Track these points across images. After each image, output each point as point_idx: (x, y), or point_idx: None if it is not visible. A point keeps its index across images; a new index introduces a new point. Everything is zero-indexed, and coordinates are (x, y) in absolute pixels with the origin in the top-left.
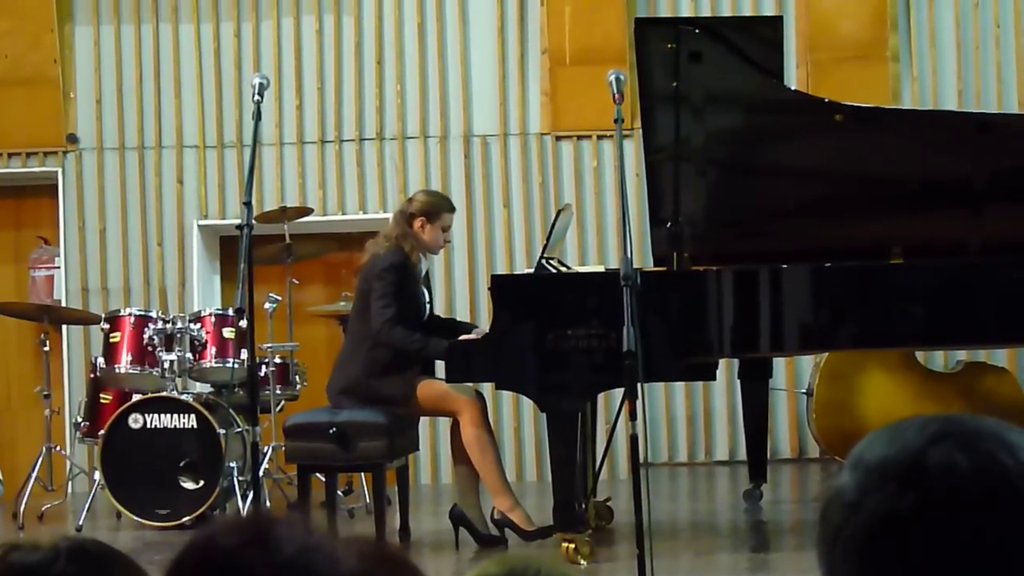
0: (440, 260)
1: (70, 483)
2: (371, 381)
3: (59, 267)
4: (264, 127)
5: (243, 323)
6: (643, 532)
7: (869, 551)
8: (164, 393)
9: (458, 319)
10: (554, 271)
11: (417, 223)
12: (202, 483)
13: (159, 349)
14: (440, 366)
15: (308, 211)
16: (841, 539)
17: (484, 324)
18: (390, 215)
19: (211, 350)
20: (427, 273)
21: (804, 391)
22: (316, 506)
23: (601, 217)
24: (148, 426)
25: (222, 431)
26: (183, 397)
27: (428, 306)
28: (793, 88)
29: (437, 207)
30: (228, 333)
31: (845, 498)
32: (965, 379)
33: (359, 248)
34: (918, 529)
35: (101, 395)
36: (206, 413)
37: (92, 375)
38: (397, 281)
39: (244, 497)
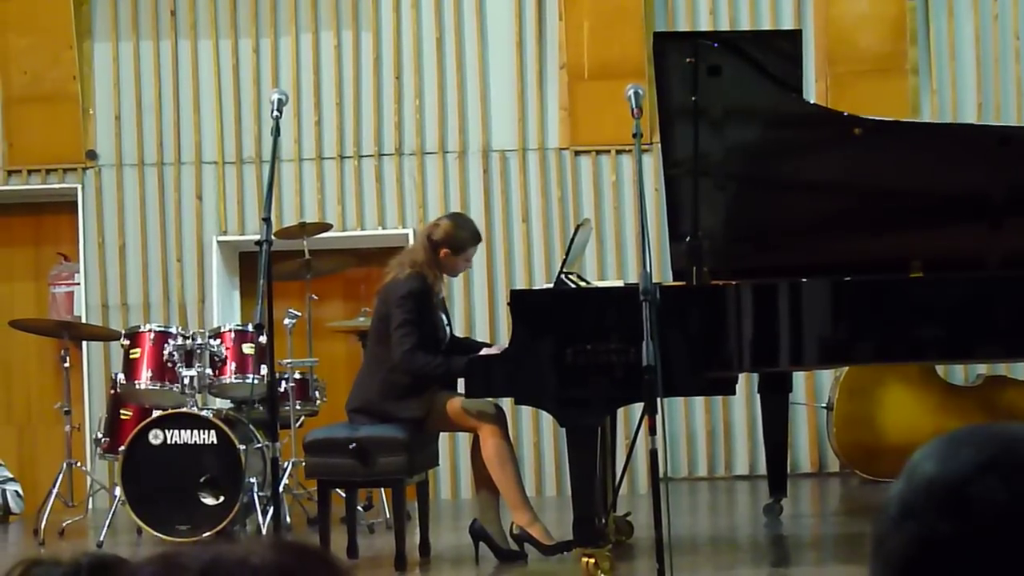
0: (459, 276)
1: (91, 499)
2: (387, 403)
3: (79, 283)
4: (283, 143)
5: (263, 339)
6: (663, 547)
7: (904, 571)
8: (184, 409)
9: (476, 339)
10: (573, 286)
11: (443, 252)
12: (222, 499)
13: (179, 365)
14: (461, 382)
15: (327, 227)
16: (882, 552)
17: (503, 339)
18: (409, 231)
19: (231, 366)
20: (443, 297)
21: (824, 405)
22: (336, 522)
23: (620, 232)
24: (168, 442)
25: (242, 447)
26: (203, 413)
27: (448, 328)
28: (812, 102)
29: (464, 242)
30: (248, 349)
31: (890, 511)
32: (985, 393)
33: (378, 264)
34: (953, 559)
35: (121, 411)
36: (226, 429)
37: (112, 391)
38: (416, 308)
39: (264, 513)
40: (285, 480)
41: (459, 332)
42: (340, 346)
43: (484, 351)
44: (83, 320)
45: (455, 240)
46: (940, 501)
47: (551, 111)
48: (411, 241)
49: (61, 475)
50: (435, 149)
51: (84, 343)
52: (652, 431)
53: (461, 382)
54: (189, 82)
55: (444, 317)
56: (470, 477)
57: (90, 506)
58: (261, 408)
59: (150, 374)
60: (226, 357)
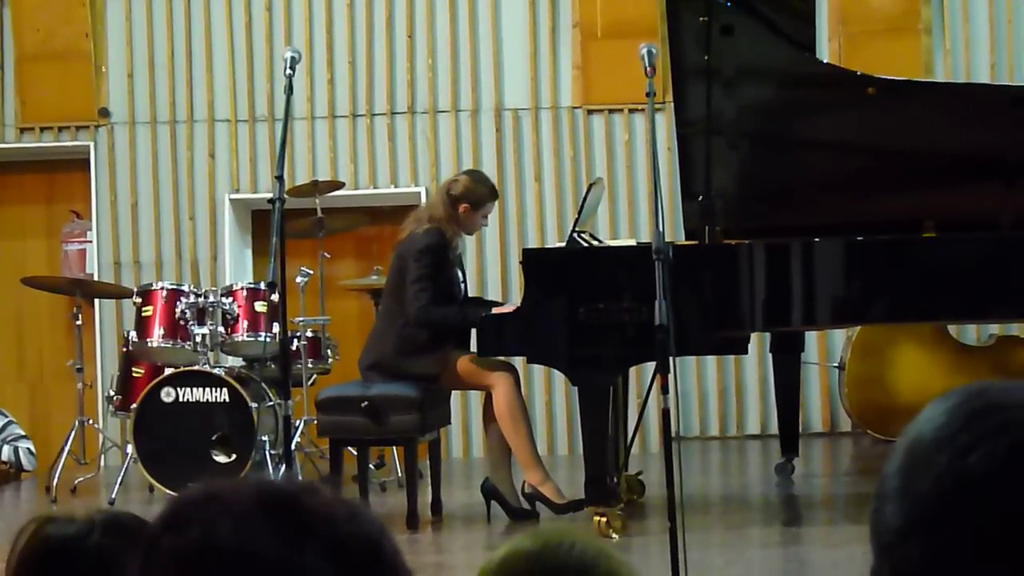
0: (473, 235)
1: (103, 456)
2: (401, 359)
3: (91, 241)
4: (296, 101)
5: (275, 297)
6: (675, 506)
7: (879, 555)
8: (196, 367)
9: (489, 298)
10: (585, 245)
11: (462, 208)
12: (234, 457)
13: (191, 323)
14: (474, 341)
15: (340, 185)
16: (877, 519)
17: (516, 298)
18: (421, 189)
19: (243, 324)
20: (460, 254)
21: (836, 365)
22: (348, 480)
23: (633, 191)
24: (180, 400)
25: (254, 405)
26: (215, 371)
27: (463, 285)
28: (825, 61)
29: (483, 197)
30: (260, 307)
31: (882, 478)
32: (998, 353)
33: (391, 222)
34: (914, 549)
35: (133, 369)
36: (238, 387)
37: (124, 349)
38: (433, 263)
39: (276, 470)
40: (297, 438)
41: (471, 291)
42: (352, 304)
43: (496, 309)
44: (95, 278)
45: (474, 195)
46: (900, 491)
47: (564, 70)
48: (424, 199)
49: (73, 432)
50: (448, 107)
51: (96, 301)
52: (664, 390)
53: (474, 341)
54: (202, 40)
55: (460, 273)
56: (482, 436)
57: (102, 463)
58: (273, 366)
59: (162, 332)
60: (238, 315)
